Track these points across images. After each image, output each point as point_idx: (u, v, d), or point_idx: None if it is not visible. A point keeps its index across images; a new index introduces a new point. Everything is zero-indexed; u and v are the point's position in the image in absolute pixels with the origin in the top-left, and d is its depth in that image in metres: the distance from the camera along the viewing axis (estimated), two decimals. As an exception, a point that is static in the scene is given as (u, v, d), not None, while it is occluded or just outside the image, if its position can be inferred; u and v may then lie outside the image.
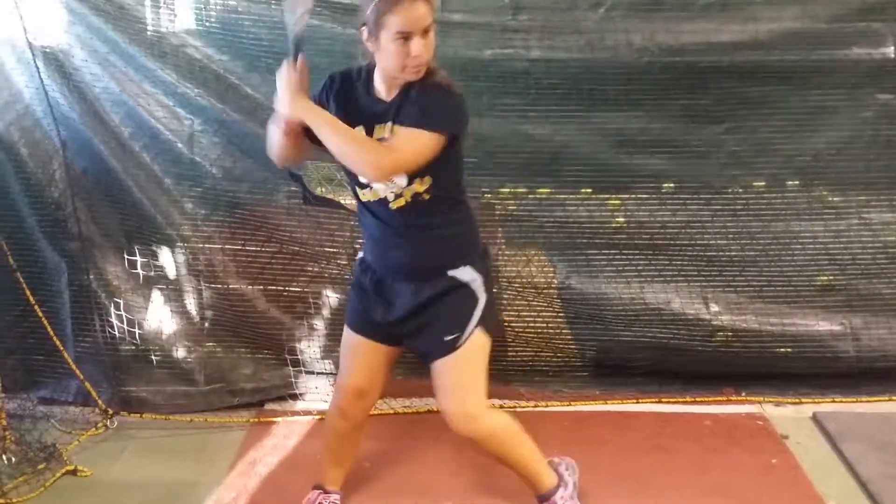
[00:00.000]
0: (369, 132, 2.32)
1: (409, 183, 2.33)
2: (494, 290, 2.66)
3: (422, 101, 2.25)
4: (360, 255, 2.60)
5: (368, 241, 2.52)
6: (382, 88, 2.33)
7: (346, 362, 2.66)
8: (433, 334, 2.46)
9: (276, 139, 2.36)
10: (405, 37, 2.17)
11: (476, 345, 2.47)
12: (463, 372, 2.48)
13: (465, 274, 2.44)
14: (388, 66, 2.25)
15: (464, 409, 2.49)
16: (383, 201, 2.38)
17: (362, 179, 2.36)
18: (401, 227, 2.41)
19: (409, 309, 2.46)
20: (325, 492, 2.79)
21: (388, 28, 2.16)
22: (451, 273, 2.43)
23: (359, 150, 2.26)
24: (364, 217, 2.48)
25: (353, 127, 2.30)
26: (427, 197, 2.36)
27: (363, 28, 2.24)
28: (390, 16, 2.15)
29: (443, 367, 2.47)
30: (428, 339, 2.48)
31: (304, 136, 2.34)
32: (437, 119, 2.24)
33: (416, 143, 2.23)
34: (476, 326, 2.45)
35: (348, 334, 2.64)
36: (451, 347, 2.44)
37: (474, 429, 2.51)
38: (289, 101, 2.26)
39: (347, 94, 2.36)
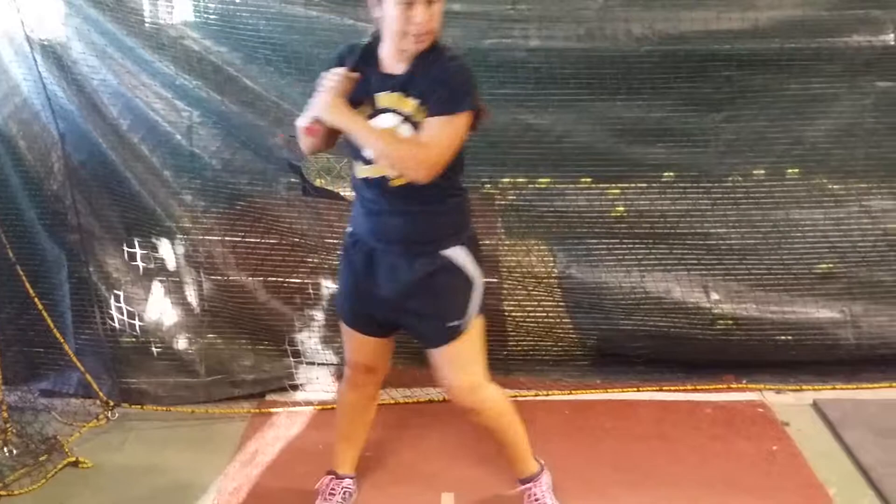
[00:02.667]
0: (373, 103, 2.31)
1: None
2: (487, 278, 2.65)
3: (447, 83, 2.24)
4: (349, 228, 2.57)
5: (361, 213, 2.50)
6: (391, 62, 2.30)
7: (347, 345, 2.68)
8: (435, 320, 2.47)
9: (300, 135, 2.36)
10: (409, 2, 2.15)
11: (476, 328, 2.51)
12: (463, 351, 2.51)
13: (458, 255, 2.44)
14: (393, 36, 2.23)
15: (465, 380, 2.52)
16: (384, 178, 2.36)
17: (366, 154, 2.34)
18: (397, 203, 2.40)
19: (405, 284, 2.44)
20: (338, 477, 2.81)
21: None
22: (443, 252, 2.43)
23: (401, 151, 2.24)
24: (360, 191, 2.47)
25: (360, 100, 2.29)
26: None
27: None
28: None
29: (444, 349, 2.50)
30: (429, 324, 2.49)
31: (331, 132, 2.33)
32: (462, 98, 2.25)
33: (451, 130, 2.24)
34: (473, 311, 2.48)
35: (343, 325, 2.65)
36: (455, 333, 2.46)
37: (476, 399, 2.54)
38: (328, 105, 2.24)
39: (354, 67, 2.32)
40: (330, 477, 2.81)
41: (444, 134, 2.23)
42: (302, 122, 2.32)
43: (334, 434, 2.86)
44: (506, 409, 2.63)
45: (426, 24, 2.18)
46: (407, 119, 2.28)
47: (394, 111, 2.30)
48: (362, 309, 2.56)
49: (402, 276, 2.43)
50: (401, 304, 2.48)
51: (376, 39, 2.32)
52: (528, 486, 2.72)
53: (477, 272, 2.48)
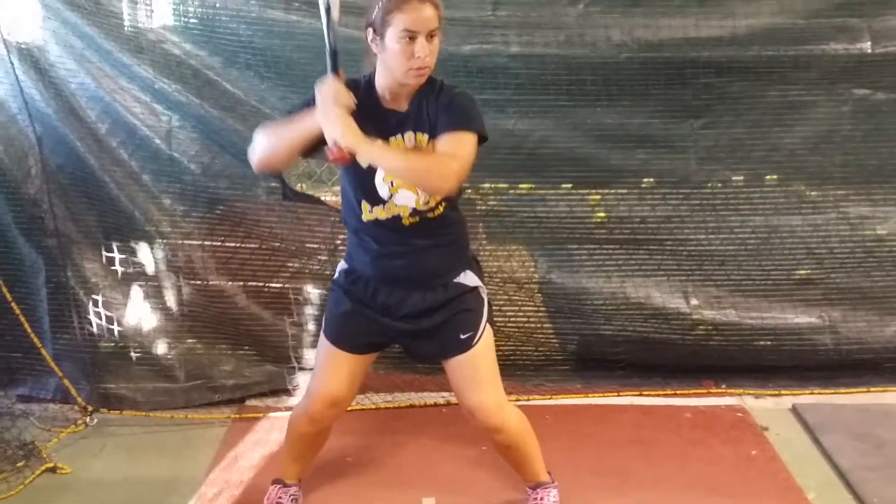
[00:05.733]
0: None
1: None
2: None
3: (454, 104, 2.26)
4: (343, 265, 2.55)
5: (362, 255, 2.47)
6: (390, 98, 2.30)
7: (322, 371, 2.62)
8: (448, 334, 2.47)
9: (282, 150, 2.31)
10: (411, 36, 2.16)
11: (488, 340, 2.51)
12: (483, 366, 2.51)
13: (469, 279, 2.49)
14: (392, 68, 2.22)
15: (493, 399, 2.51)
16: (397, 217, 2.37)
17: (381, 192, 2.33)
18: (404, 242, 2.41)
19: (419, 310, 2.46)
20: (285, 485, 2.79)
21: (395, 26, 2.15)
22: (456, 280, 2.47)
23: (428, 163, 2.23)
24: (365, 234, 2.44)
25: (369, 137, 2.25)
26: (441, 210, 2.38)
27: (368, 29, 2.22)
28: (398, 13, 2.15)
29: (462, 364, 2.49)
30: (442, 338, 2.49)
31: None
32: (471, 119, 2.26)
33: (467, 144, 2.24)
34: (486, 324, 2.50)
35: (327, 346, 2.59)
36: (468, 345, 2.47)
37: (502, 418, 2.53)
38: (343, 129, 2.17)
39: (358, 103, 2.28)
40: (277, 486, 2.79)
41: (461, 145, 2.23)
42: (330, 151, 2.22)
43: (283, 448, 2.83)
44: (525, 424, 2.63)
45: (427, 58, 2.19)
46: None
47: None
48: (357, 328, 2.53)
49: (414, 307, 2.45)
50: (409, 329, 2.49)
51: (372, 76, 2.31)
52: (536, 491, 2.71)
53: (483, 286, 2.52)
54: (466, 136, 2.24)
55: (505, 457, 2.70)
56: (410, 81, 2.24)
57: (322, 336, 2.61)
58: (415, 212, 2.36)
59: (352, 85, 2.29)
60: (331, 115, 2.18)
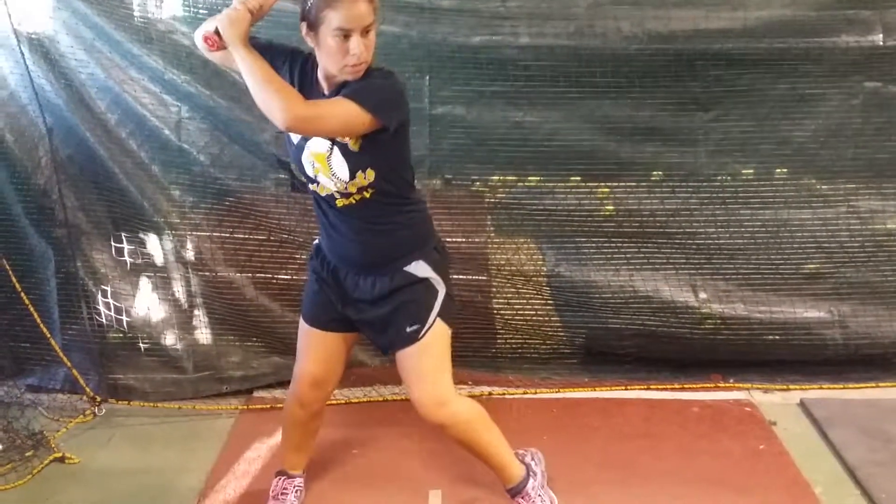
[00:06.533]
0: None
1: (352, 177, 2.27)
2: (454, 284, 2.63)
3: (361, 82, 2.19)
4: (316, 241, 2.57)
5: (322, 232, 2.49)
6: (324, 84, 2.27)
7: (301, 352, 2.64)
8: (395, 326, 2.46)
9: (199, 44, 2.28)
10: (345, 34, 2.12)
11: (438, 335, 2.48)
12: (427, 361, 2.49)
13: (420, 269, 2.44)
14: (327, 64, 2.20)
15: (432, 395, 2.50)
16: (330, 198, 2.35)
17: (308, 171, 2.32)
18: (350, 224, 2.39)
19: (368, 299, 2.46)
20: (289, 476, 2.81)
21: (328, 23, 2.11)
22: (406, 269, 2.43)
23: (274, 91, 2.11)
24: (318, 209, 2.45)
25: None
26: (371, 193, 2.32)
27: (302, 23, 2.18)
28: (330, 11, 2.10)
29: (407, 358, 2.48)
30: (390, 330, 2.48)
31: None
32: (368, 96, 2.16)
33: (338, 108, 2.15)
34: (436, 318, 2.46)
35: (303, 325, 2.61)
36: (414, 338, 2.45)
37: (444, 414, 2.52)
38: (227, 24, 2.14)
39: (301, 79, 2.30)
40: (282, 477, 2.81)
41: (331, 107, 2.16)
42: (202, 30, 2.24)
43: (281, 438, 2.85)
44: (477, 419, 2.59)
45: (361, 54, 2.14)
46: (334, 142, 2.26)
47: None
48: (324, 305, 2.54)
49: (370, 293, 2.45)
50: (359, 318, 2.51)
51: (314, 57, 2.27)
52: (518, 498, 2.70)
53: (442, 281, 2.47)
54: (348, 104, 2.13)
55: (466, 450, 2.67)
56: (347, 77, 2.19)
57: (301, 317, 2.63)
58: (342, 194, 2.33)
59: (307, 60, 2.28)
60: (231, 9, 2.18)
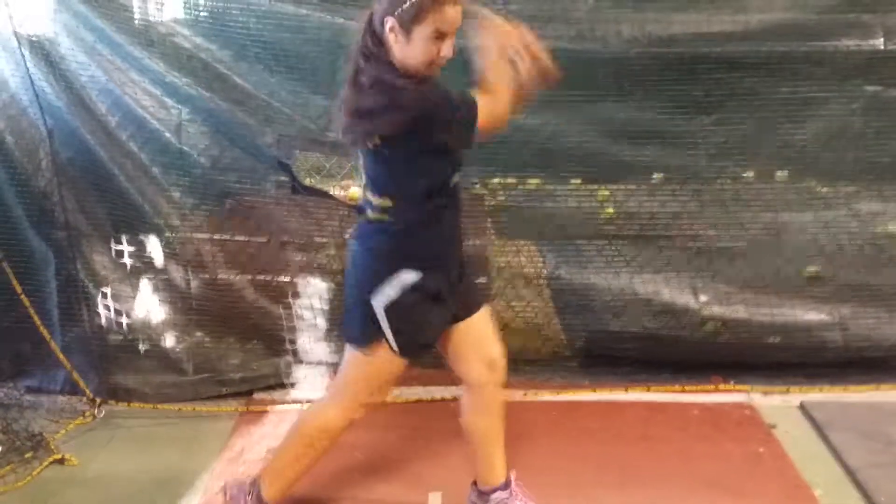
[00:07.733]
0: None
1: None
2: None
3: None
4: (414, 277, 2.35)
5: (440, 240, 2.42)
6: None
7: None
8: (471, 292, 2.61)
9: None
10: (440, 36, 2.17)
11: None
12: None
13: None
14: (414, 62, 2.20)
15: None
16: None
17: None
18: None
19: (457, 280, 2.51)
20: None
21: (427, 25, 2.15)
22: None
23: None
24: (444, 211, 2.38)
25: None
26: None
27: (389, 18, 2.17)
28: (434, 14, 2.14)
29: (484, 315, 2.63)
30: (469, 296, 2.57)
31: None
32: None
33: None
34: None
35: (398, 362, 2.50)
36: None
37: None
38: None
39: None
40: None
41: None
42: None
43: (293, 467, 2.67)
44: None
45: (450, 56, 2.23)
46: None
47: None
48: (446, 314, 2.51)
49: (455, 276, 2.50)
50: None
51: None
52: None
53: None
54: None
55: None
56: (429, 74, 2.24)
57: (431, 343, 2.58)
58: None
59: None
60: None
